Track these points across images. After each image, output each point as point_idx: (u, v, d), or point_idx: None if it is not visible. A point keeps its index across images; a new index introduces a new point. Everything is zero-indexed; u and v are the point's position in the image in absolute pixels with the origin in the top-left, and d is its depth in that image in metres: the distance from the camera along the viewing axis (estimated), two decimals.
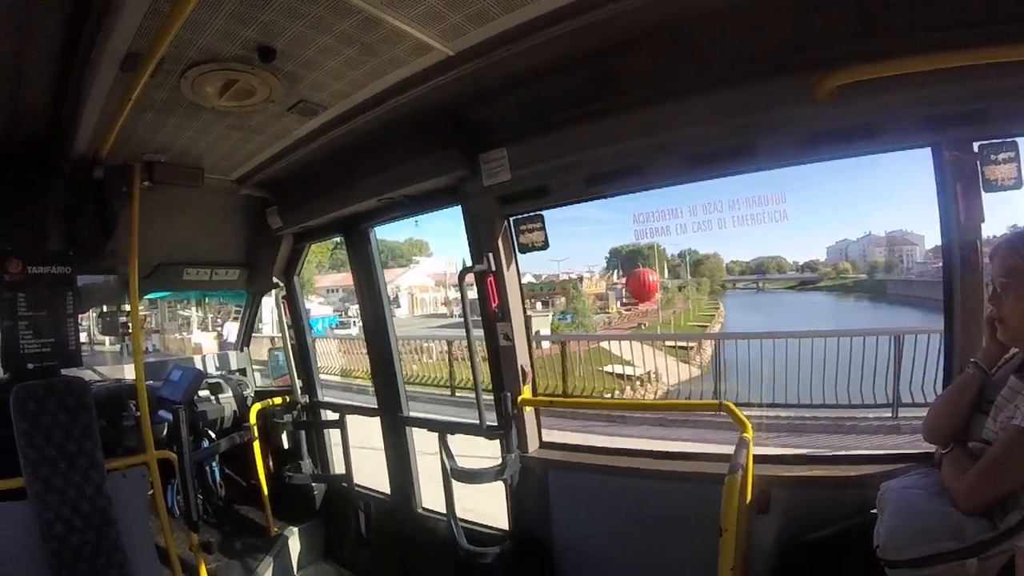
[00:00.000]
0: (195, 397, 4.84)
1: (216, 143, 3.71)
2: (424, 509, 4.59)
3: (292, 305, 5.24)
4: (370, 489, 4.96)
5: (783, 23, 2.56)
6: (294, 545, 4.93)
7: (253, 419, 4.86)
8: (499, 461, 3.72)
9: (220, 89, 2.88)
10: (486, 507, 4.48)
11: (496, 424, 3.76)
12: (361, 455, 4.98)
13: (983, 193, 2.72)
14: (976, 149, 2.69)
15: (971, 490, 1.96)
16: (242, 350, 5.79)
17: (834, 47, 2.50)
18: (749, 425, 3.06)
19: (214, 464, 5.05)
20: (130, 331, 4.15)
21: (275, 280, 5.18)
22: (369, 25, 2.47)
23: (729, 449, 2.89)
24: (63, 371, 3.48)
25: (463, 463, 3.93)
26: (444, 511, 4.01)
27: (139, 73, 2.45)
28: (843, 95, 2.50)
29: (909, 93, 2.51)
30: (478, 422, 3.77)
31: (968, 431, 2.16)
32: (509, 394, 3.71)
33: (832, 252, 41.04)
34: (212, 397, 5.15)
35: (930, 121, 2.66)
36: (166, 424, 4.19)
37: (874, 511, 2.28)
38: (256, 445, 4.88)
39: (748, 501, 2.94)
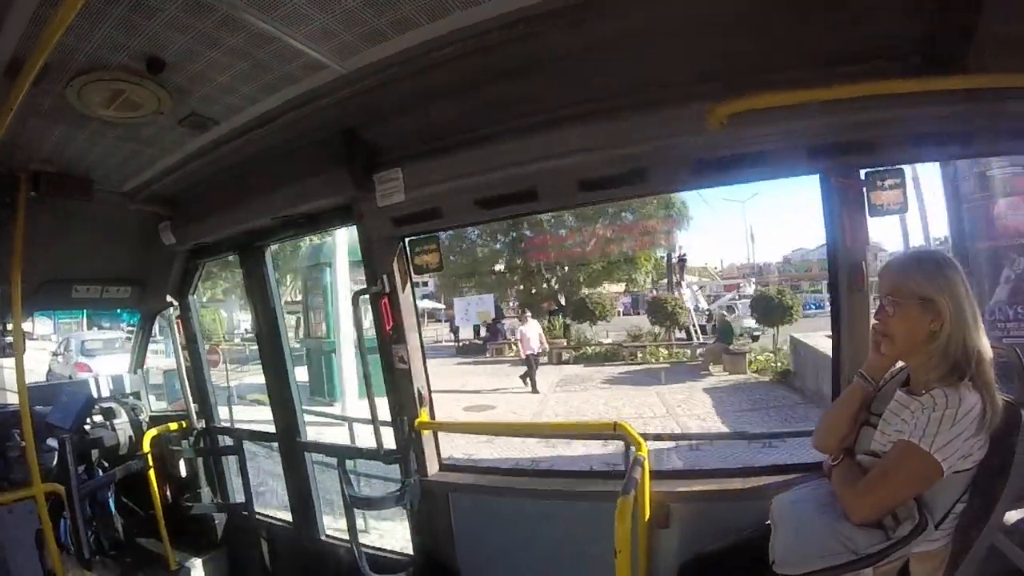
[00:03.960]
0: (86, 423, 4.80)
1: (106, 154, 3.74)
2: (328, 536, 4.68)
3: (186, 325, 5.25)
4: (272, 517, 5.03)
5: (672, 55, 2.78)
6: None
7: (147, 446, 4.86)
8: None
9: (108, 99, 2.93)
10: (399, 529, 4.51)
11: (394, 448, 3.90)
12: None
13: (869, 217, 3.01)
14: (863, 176, 2.97)
15: (862, 502, 2.11)
16: (136, 372, 5.74)
17: (724, 78, 2.72)
18: (644, 444, 3.28)
19: (110, 495, 4.97)
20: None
21: (169, 299, 5.18)
22: (260, 41, 2.60)
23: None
24: None
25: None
26: (348, 538, 4.07)
27: (22, 79, 2.48)
28: (733, 124, 2.68)
29: (797, 123, 2.76)
30: (376, 447, 3.87)
31: (857, 443, 2.32)
32: (406, 418, 3.86)
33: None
34: (106, 423, 5.09)
35: (817, 150, 2.93)
36: (55, 453, 4.13)
37: (769, 522, 2.42)
38: (152, 474, 4.86)
39: (647, 518, 3.19)
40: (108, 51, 2.58)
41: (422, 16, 2.49)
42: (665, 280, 28.75)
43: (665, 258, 28.47)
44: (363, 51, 2.72)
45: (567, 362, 23.93)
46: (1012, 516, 2.52)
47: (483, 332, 29.57)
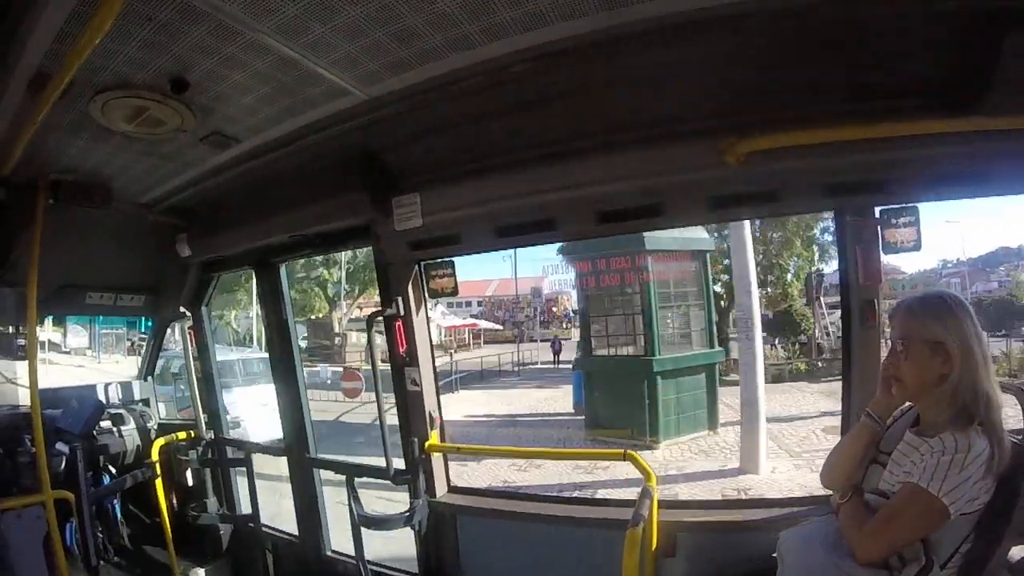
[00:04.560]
0: (95, 430, 4.82)
1: (126, 166, 3.80)
2: (333, 552, 4.71)
3: (199, 336, 5.32)
4: (278, 530, 5.06)
5: (694, 91, 2.83)
6: None
7: (155, 455, 4.89)
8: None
9: (130, 115, 3.00)
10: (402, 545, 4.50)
11: (404, 469, 3.93)
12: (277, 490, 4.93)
13: (883, 255, 3.05)
14: (877, 214, 3.01)
15: (869, 543, 2.09)
16: (146, 379, 5.79)
17: (741, 115, 2.77)
18: (653, 474, 3.32)
19: (115, 501, 4.99)
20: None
21: (182, 310, 5.24)
22: (285, 65, 2.67)
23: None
24: None
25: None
26: (354, 554, 4.11)
27: (47, 95, 2.55)
28: (750, 161, 2.74)
29: (813, 161, 2.78)
30: (385, 466, 3.91)
31: (865, 480, 2.31)
32: (416, 439, 3.90)
33: None
34: (114, 429, 5.11)
35: (833, 187, 2.96)
36: (64, 458, 4.16)
37: (775, 555, 2.44)
38: (159, 483, 4.89)
39: (654, 548, 3.22)
40: (133, 69, 2.65)
41: (447, 49, 2.55)
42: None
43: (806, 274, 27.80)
44: (386, 79, 2.79)
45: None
46: (1016, 553, 2.55)
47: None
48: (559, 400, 18.22)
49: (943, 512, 1.96)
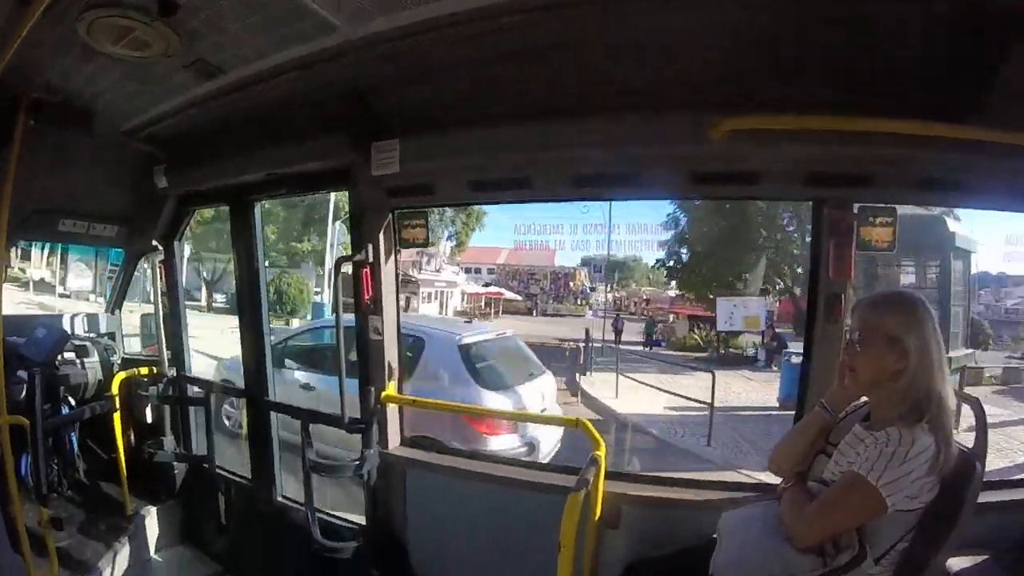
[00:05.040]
0: (58, 359, 4.82)
1: (109, 90, 3.75)
2: (284, 497, 4.74)
3: (169, 272, 5.27)
4: (232, 472, 5.06)
5: (683, 61, 2.80)
6: (151, 526, 4.97)
7: (115, 388, 4.90)
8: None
9: (117, 36, 2.93)
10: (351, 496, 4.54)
11: (358, 417, 3.94)
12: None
13: (855, 252, 3.07)
14: (856, 210, 3.02)
15: (805, 528, 2.15)
16: (113, 313, 5.77)
17: (730, 91, 2.75)
18: (603, 443, 3.34)
19: (73, 434, 4.99)
20: None
21: (155, 243, 5.21)
22: None
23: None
24: None
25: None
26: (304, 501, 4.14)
27: (32, 9, 2.51)
28: (733, 140, 2.72)
29: (798, 148, 2.79)
30: (340, 413, 3.91)
31: (812, 470, 2.36)
32: (373, 389, 3.90)
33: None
34: (77, 361, 5.12)
35: (814, 177, 2.97)
36: (24, 385, 4.15)
37: (715, 536, 2.48)
38: (117, 417, 4.90)
39: (598, 517, 3.25)
40: None
41: None
42: None
43: None
44: (376, 18, 2.75)
45: None
46: (954, 564, 2.67)
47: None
48: (733, 391, 17.15)
49: (880, 502, 1.99)
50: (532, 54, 2.94)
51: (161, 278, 5.26)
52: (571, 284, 44.68)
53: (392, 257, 3.93)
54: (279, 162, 3.93)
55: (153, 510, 4.99)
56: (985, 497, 2.80)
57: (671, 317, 32.75)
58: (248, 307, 4.77)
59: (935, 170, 2.83)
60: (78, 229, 4.92)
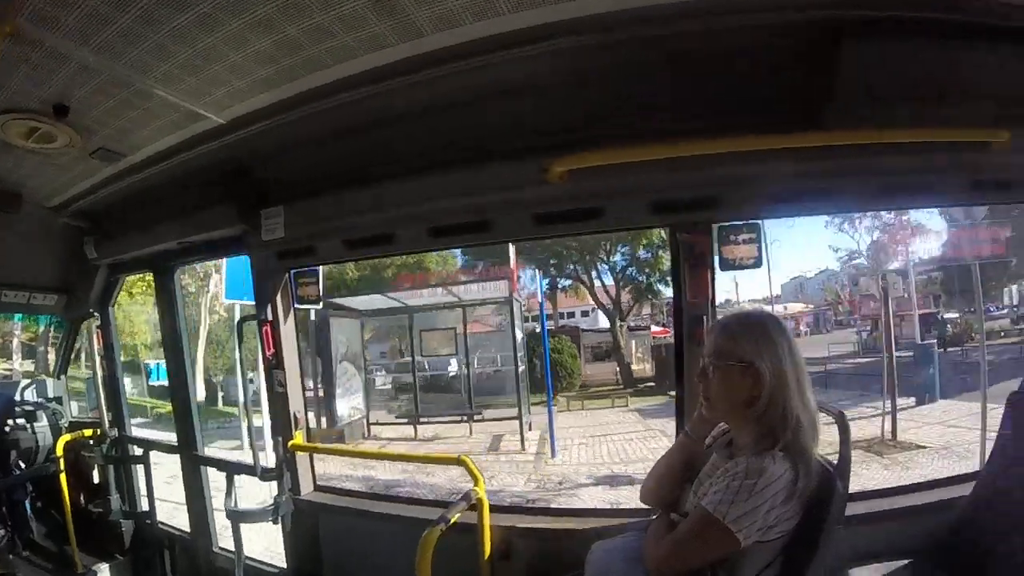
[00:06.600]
0: (7, 426, 5.11)
1: (31, 174, 4.11)
2: (220, 548, 4.92)
3: (105, 336, 5.50)
4: (174, 527, 5.25)
5: (519, 112, 3.06)
6: None
7: (60, 451, 5.10)
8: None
9: (26, 133, 3.33)
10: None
11: (271, 468, 4.17)
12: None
13: (720, 272, 3.19)
14: (714, 231, 3.15)
15: (662, 562, 2.08)
16: (59, 378, 6.05)
17: (564, 135, 2.97)
18: (482, 480, 3.52)
19: (27, 497, 5.26)
20: None
21: (91, 311, 5.45)
22: (144, 95, 3.04)
23: None
24: None
25: None
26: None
27: None
28: (574, 179, 2.92)
29: (642, 178, 2.94)
30: (253, 464, 4.16)
31: (682, 501, 2.30)
32: (281, 439, 4.14)
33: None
34: (27, 426, 5.39)
35: (663, 204, 3.11)
36: None
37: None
38: (63, 478, 5.08)
39: (487, 553, 3.39)
40: (21, 97, 3.02)
41: (302, 69, 2.85)
42: None
43: None
44: (235, 105, 3.13)
45: None
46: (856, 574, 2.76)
47: None
48: None
49: (731, 538, 1.91)
50: (391, 120, 3.25)
51: (98, 343, 5.47)
52: None
53: (290, 315, 4.21)
54: (184, 232, 4.25)
55: (104, 567, 5.16)
56: (881, 505, 3.01)
57: None
58: (174, 366, 5.03)
59: (792, 182, 2.90)
60: (19, 300, 5.21)
